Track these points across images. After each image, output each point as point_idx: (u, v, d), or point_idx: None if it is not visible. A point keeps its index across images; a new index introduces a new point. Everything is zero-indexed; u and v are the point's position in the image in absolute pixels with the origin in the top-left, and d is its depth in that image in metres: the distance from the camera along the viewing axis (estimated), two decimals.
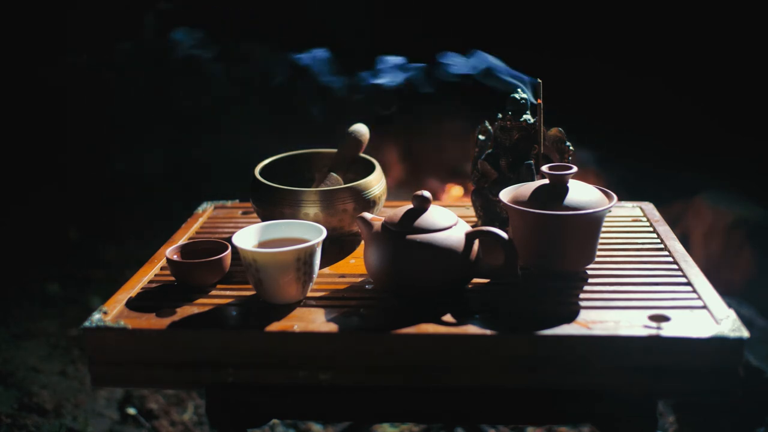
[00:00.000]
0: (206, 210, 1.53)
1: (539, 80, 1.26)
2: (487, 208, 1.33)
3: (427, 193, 1.09)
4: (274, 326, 1.02)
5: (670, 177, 2.77)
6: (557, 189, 1.12)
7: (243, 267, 1.08)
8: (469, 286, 1.12)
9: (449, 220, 1.09)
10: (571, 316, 1.02)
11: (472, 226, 1.13)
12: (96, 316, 1.05)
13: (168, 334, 1.03)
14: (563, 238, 1.11)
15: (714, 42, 3.03)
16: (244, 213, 1.52)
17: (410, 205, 1.10)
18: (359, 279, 1.18)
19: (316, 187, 1.37)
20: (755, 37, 2.98)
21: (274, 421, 2.05)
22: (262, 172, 1.35)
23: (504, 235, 1.05)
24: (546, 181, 1.15)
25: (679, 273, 1.16)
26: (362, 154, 1.40)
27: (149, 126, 3.47)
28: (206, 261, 1.13)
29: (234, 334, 1.02)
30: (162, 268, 1.24)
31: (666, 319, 1.00)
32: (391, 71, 1.30)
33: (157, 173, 3.57)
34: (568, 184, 1.13)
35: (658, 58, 3.13)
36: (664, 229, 1.33)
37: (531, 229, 1.12)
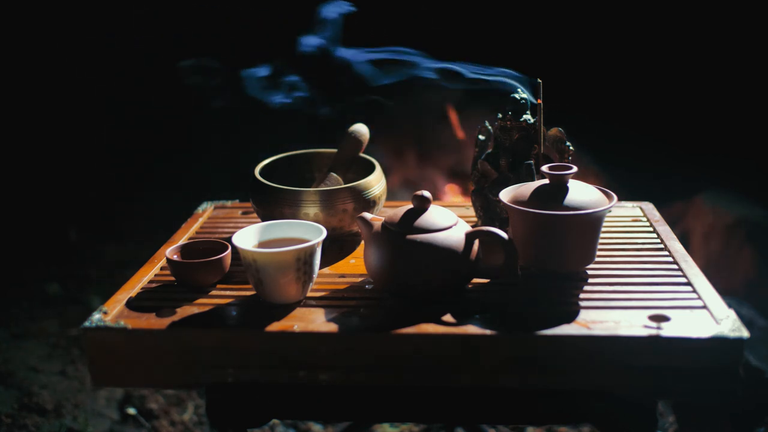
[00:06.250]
0: (206, 210, 1.53)
1: (539, 80, 1.26)
2: (487, 208, 1.33)
3: (427, 193, 1.09)
4: (274, 326, 1.02)
5: (670, 177, 2.77)
6: (557, 189, 1.12)
7: (243, 267, 1.08)
8: (469, 286, 1.12)
9: (449, 220, 1.08)
10: (571, 316, 1.02)
11: (472, 226, 1.13)
12: (96, 316, 1.05)
13: (168, 334, 1.02)
14: (563, 238, 1.11)
15: (714, 41, 3.03)
16: (244, 213, 1.52)
17: (410, 205, 1.10)
18: (359, 279, 1.18)
19: (316, 187, 1.37)
20: (755, 37, 2.98)
21: (274, 421, 2.05)
22: (262, 172, 1.34)
23: (504, 235, 1.05)
24: (546, 181, 1.15)
25: (679, 273, 1.16)
26: (362, 154, 1.40)
27: (149, 127, 3.47)
28: (206, 261, 1.13)
29: (234, 334, 1.02)
30: (162, 268, 1.24)
31: (666, 319, 1.00)
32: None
33: (157, 173, 3.57)
34: (568, 184, 1.13)
35: (658, 57, 3.13)
36: (664, 229, 1.33)
37: (531, 229, 1.12)
